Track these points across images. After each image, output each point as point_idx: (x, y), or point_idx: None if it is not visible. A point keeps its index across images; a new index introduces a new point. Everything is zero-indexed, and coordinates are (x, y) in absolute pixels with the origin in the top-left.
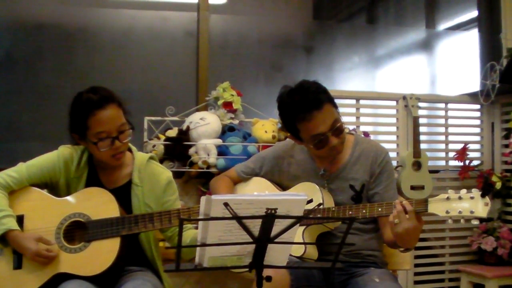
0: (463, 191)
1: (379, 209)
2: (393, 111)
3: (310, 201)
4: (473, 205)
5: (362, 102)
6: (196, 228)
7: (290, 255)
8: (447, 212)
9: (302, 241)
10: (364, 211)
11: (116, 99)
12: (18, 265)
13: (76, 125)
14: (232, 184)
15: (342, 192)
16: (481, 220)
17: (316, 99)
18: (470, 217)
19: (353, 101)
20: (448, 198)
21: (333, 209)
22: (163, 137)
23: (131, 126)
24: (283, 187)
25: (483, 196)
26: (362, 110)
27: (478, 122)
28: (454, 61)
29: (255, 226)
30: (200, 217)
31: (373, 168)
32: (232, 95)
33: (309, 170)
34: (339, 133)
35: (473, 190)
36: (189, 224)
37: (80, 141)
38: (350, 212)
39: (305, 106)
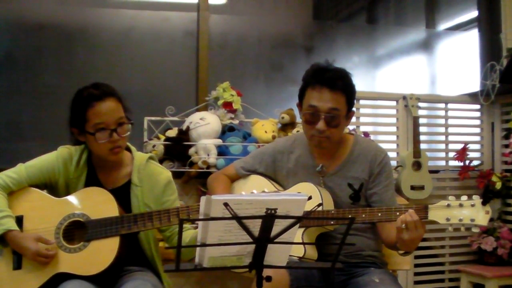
0: (464, 197)
1: (379, 214)
2: (393, 111)
3: (309, 198)
4: (474, 213)
5: (362, 102)
6: (196, 228)
7: (290, 255)
8: (448, 219)
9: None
10: (363, 215)
11: (117, 94)
12: (18, 266)
13: (75, 118)
14: (229, 183)
15: (340, 190)
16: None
17: (334, 80)
18: (470, 225)
19: None
20: (448, 205)
21: (333, 212)
22: (163, 137)
23: (130, 121)
24: (281, 184)
25: (484, 203)
26: (362, 110)
27: (478, 122)
28: (454, 61)
29: (255, 226)
30: (200, 217)
31: (372, 168)
32: (232, 95)
33: (308, 166)
34: (331, 122)
35: (474, 197)
36: (188, 224)
37: (79, 136)
38: (349, 216)
39: (322, 78)
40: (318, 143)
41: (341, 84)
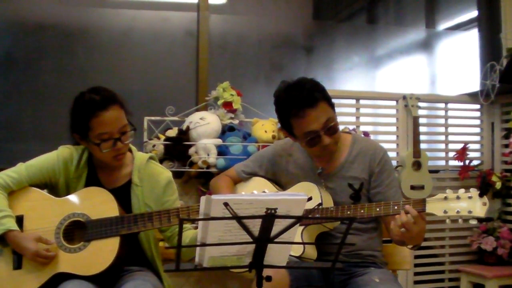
0: (461, 190)
1: (377, 209)
2: (393, 111)
3: (309, 198)
4: (471, 204)
5: (362, 102)
6: (196, 228)
7: (290, 255)
8: (445, 212)
9: (300, 241)
10: (362, 211)
11: (119, 100)
12: (18, 266)
13: (78, 126)
14: (232, 184)
15: (340, 190)
16: (480, 220)
17: (310, 96)
18: (468, 217)
19: (353, 101)
20: (446, 198)
21: (332, 209)
22: (163, 137)
23: (133, 128)
24: (282, 186)
25: (481, 195)
26: (362, 110)
27: (478, 122)
28: (454, 61)
29: (255, 226)
30: (200, 217)
31: (372, 167)
32: (232, 95)
33: (307, 169)
34: (332, 132)
35: (471, 189)
36: (188, 224)
37: (82, 141)
38: (348, 212)
39: (299, 102)
40: (328, 153)
41: (318, 95)
